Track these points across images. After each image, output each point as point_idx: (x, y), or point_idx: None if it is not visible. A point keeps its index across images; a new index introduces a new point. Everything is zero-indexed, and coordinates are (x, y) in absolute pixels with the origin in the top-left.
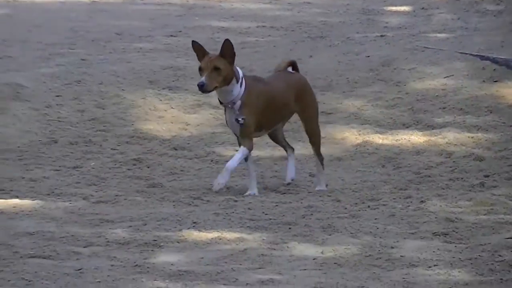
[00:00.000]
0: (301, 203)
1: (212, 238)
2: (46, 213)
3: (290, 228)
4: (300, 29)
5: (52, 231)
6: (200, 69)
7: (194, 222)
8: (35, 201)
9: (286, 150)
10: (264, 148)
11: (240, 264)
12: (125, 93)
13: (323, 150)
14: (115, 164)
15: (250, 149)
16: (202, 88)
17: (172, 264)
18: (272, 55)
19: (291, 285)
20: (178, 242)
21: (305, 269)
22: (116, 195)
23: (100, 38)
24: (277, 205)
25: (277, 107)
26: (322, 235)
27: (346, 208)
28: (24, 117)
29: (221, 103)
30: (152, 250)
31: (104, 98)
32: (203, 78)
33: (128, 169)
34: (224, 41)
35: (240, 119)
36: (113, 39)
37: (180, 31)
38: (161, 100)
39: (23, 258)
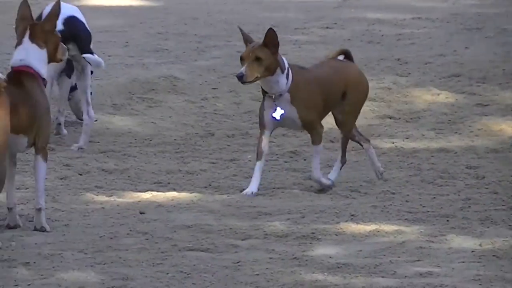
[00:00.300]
0: (459, 195)
1: (370, 231)
2: (203, 206)
3: (448, 221)
4: (456, 21)
5: (210, 224)
6: (241, 58)
7: (352, 215)
8: (193, 194)
9: (362, 145)
10: (421, 139)
11: (398, 257)
12: None
13: (478, 142)
14: (272, 157)
15: (321, 141)
16: (241, 79)
17: (330, 257)
18: (428, 47)
19: (450, 278)
20: (336, 235)
21: (463, 262)
22: (274, 188)
23: (255, 30)
24: (434, 198)
25: (325, 95)
26: (480, 228)
27: (503, 201)
28: (181, 109)
29: (264, 93)
30: (310, 243)
31: (259, 90)
32: (242, 69)
33: (285, 162)
34: (268, 30)
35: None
36: None
37: (335, 23)
38: None
39: (182, 251)
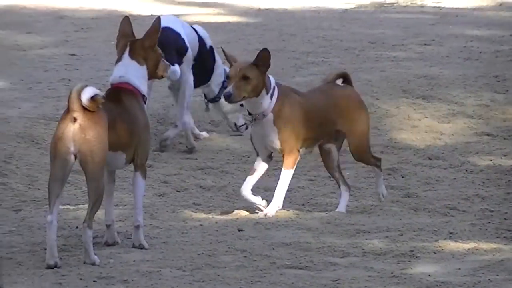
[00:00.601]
0: None
1: (468, 249)
2: (302, 223)
3: None
4: None
5: (308, 241)
6: (228, 77)
7: (451, 233)
8: (291, 211)
9: (339, 185)
10: None
11: (497, 275)
12: (379, 102)
13: None
14: (370, 174)
15: (292, 167)
16: (229, 98)
17: (429, 275)
18: None
19: None
20: (434, 253)
21: None
22: (372, 205)
23: (353, 47)
24: None
25: (314, 122)
26: None
27: None
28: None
29: (249, 114)
30: (409, 261)
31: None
32: (229, 88)
33: (383, 179)
34: (262, 50)
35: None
36: (366, 48)
37: (433, 40)
38: (415, 109)
39: (280, 269)
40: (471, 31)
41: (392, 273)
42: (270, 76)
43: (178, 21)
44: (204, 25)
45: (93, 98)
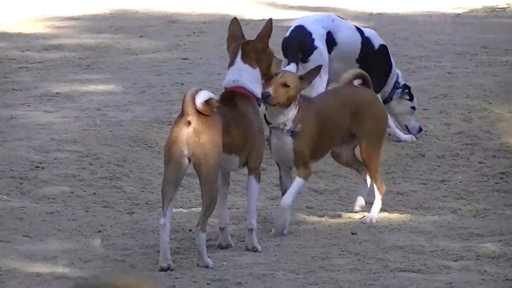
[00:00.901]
0: None
1: None
2: (415, 226)
3: None
4: None
5: (421, 244)
6: (268, 78)
7: None
8: (404, 214)
9: (359, 172)
10: None
11: None
12: (492, 106)
13: None
14: (483, 178)
15: (306, 177)
16: (267, 99)
17: None
18: None
19: None
20: None
21: None
22: (485, 209)
23: (465, 51)
24: None
25: (329, 128)
26: None
27: None
28: None
29: (268, 123)
30: None
31: (470, 112)
32: (270, 89)
33: (496, 183)
34: (317, 66)
35: (297, 129)
36: (478, 52)
37: None
38: None
39: (393, 272)
40: None
41: (505, 276)
42: None
43: (322, 21)
44: None
45: (207, 102)
